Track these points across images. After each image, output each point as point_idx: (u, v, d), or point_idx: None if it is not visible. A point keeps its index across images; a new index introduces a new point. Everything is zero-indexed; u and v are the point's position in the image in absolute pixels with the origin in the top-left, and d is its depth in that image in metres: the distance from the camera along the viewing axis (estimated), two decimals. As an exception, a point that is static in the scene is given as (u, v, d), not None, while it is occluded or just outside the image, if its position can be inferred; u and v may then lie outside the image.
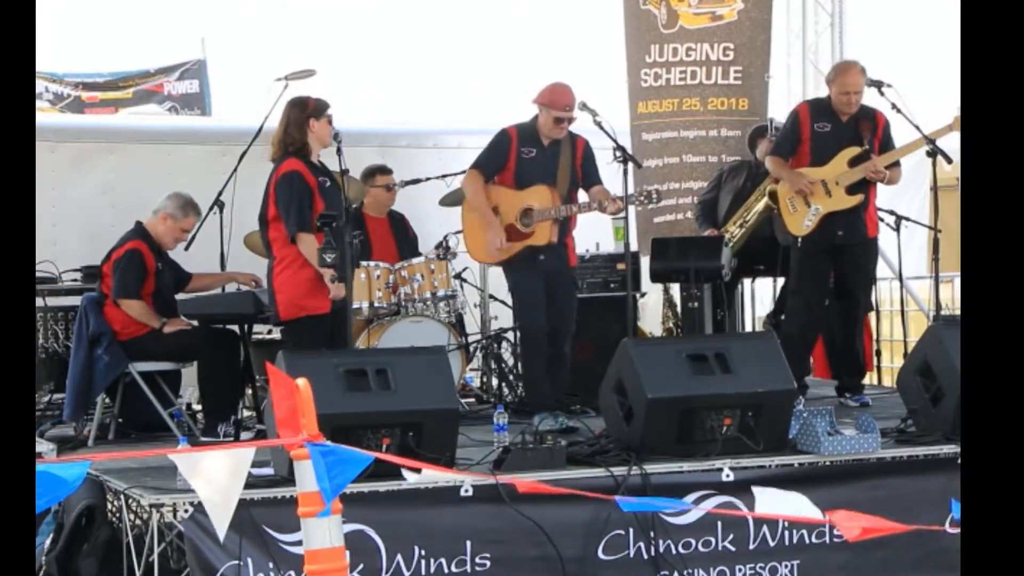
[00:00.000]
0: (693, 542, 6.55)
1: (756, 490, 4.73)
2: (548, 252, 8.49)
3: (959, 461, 6.85)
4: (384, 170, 10.05)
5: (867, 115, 8.81)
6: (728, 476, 6.65)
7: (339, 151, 7.58)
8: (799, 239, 8.79)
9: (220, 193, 9.16)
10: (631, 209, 9.07)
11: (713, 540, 6.57)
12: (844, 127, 8.74)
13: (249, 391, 8.82)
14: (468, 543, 6.28)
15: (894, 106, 8.70)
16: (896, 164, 8.78)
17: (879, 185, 8.84)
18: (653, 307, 10.94)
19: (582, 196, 8.61)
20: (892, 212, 10.07)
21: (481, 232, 8.58)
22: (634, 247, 9.81)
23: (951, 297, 11.01)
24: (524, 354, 8.75)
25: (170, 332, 8.36)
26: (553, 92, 8.52)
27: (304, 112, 7.76)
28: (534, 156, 8.53)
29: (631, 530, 6.45)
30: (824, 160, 8.76)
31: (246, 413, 8.74)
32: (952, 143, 8.74)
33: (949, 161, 8.77)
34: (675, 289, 10.43)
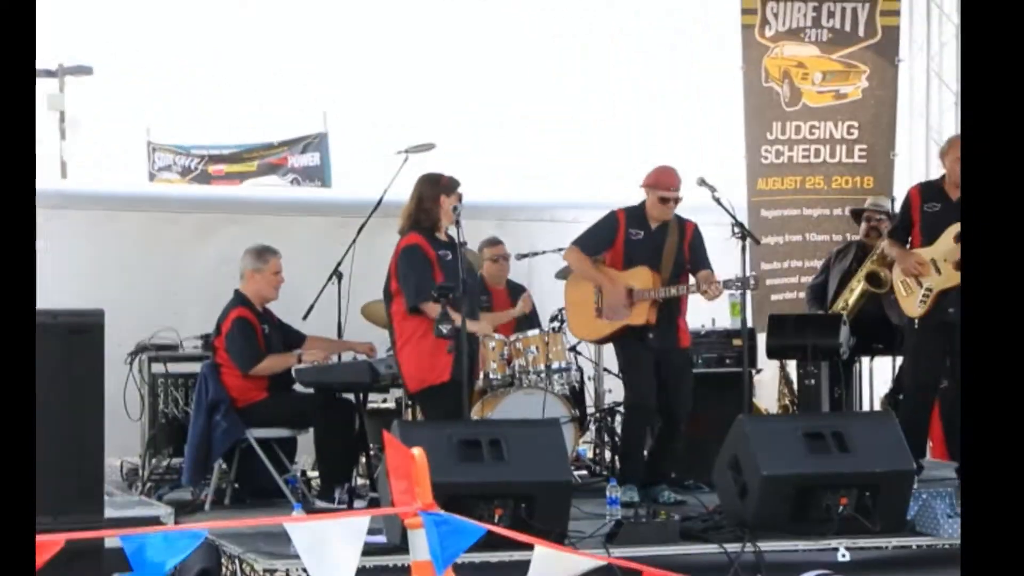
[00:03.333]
0: (810, 622, 6.45)
1: None
2: (656, 332, 8.40)
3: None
4: (493, 242, 10.13)
5: None
6: (844, 556, 6.55)
7: (458, 223, 7.65)
8: (915, 320, 8.69)
9: (339, 264, 9.26)
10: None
11: (830, 621, 6.47)
12: (954, 206, 8.66)
13: (363, 459, 8.87)
14: (580, 616, 6.23)
15: None
16: None
17: None
18: (769, 384, 10.85)
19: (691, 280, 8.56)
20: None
21: (585, 308, 8.55)
22: (751, 323, 9.75)
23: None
24: (625, 427, 8.69)
25: (308, 361, 8.48)
26: (658, 173, 8.54)
27: (437, 188, 7.85)
28: (641, 238, 8.51)
29: (746, 608, 6.38)
30: (933, 239, 8.69)
31: (359, 481, 8.79)
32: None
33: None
34: (791, 366, 10.35)
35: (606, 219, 8.64)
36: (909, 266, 8.66)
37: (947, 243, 8.63)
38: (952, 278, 8.58)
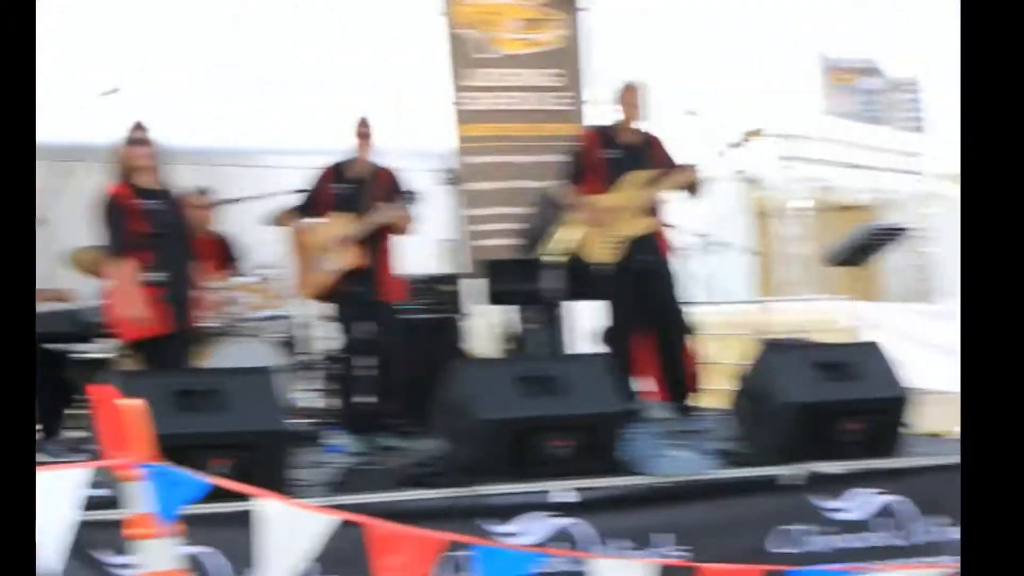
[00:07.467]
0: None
1: None
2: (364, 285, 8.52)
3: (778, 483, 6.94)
4: (197, 191, 9.91)
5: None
6: (562, 498, 6.66)
7: (155, 170, 7.57)
8: (606, 267, 8.70)
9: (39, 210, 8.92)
10: (462, 232, 9.02)
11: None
12: (634, 152, 8.79)
13: (76, 411, 8.61)
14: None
15: None
16: None
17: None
18: (484, 329, 10.94)
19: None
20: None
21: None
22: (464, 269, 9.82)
23: (776, 321, 11.14)
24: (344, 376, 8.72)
25: None
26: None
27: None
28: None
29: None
30: (614, 186, 8.75)
31: (75, 433, 8.54)
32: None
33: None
34: (508, 311, 10.44)
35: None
36: (593, 217, 8.66)
37: (632, 190, 8.69)
38: (637, 226, 8.64)
